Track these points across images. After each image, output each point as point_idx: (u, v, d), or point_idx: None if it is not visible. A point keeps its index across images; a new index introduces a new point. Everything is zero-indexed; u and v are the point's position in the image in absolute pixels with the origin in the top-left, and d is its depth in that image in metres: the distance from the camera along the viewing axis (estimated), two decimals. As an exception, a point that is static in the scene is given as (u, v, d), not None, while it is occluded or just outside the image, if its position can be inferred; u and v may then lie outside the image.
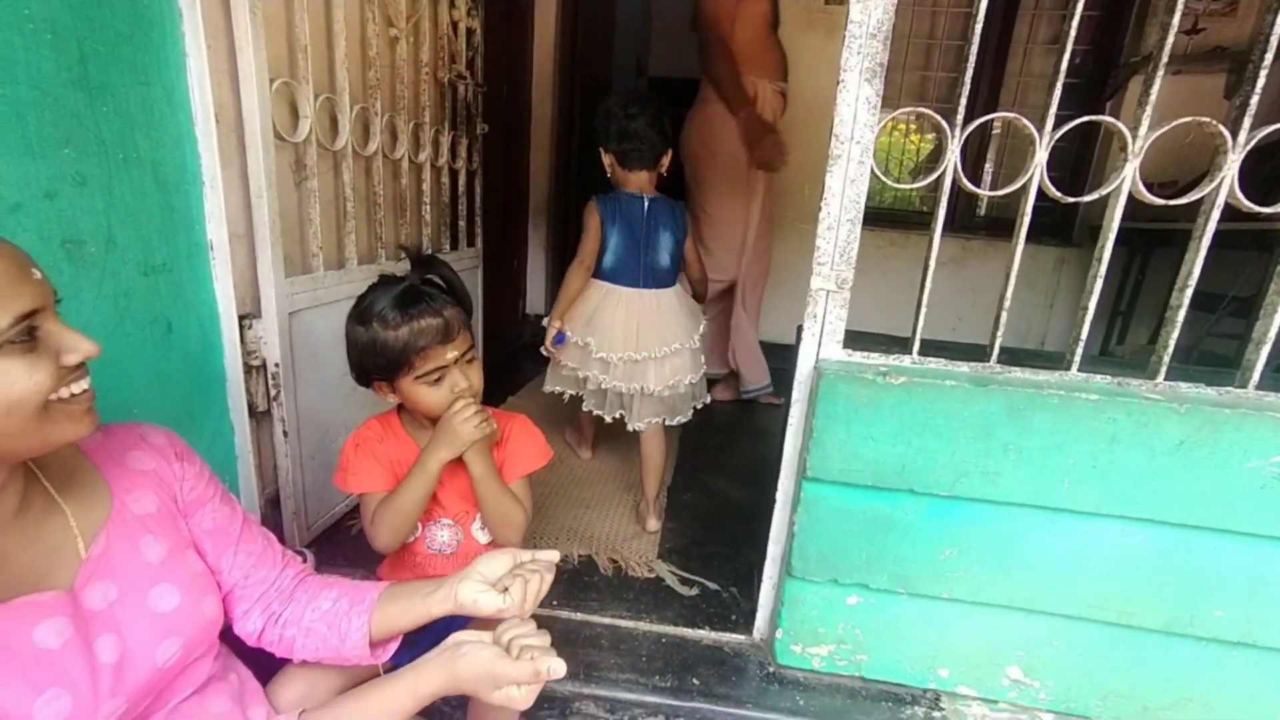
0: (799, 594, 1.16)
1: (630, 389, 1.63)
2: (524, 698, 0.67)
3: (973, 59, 0.96)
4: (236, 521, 0.81)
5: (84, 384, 0.61)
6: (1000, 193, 1.04)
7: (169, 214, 1.09)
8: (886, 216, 3.60)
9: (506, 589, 0.74)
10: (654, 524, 1.69)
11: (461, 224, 2.21)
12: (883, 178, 1.02)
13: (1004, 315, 1.06)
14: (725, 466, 2.15)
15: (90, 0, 0.90)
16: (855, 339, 1.10)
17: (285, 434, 1.36)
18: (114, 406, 1.01)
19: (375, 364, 0.96)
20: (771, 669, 1.22)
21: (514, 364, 3.25)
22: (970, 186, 1.02)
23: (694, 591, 1.44)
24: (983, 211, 3.42)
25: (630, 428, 1.68)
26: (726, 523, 1.76)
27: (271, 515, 1.41)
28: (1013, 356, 1.09)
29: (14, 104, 0.81)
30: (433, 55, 1.86)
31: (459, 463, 1.01)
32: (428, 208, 1.92)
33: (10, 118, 0.81)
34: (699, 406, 1.77)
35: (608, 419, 1.71)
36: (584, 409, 1.78)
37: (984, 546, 1.08)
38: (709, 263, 2.07)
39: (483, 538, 1.11)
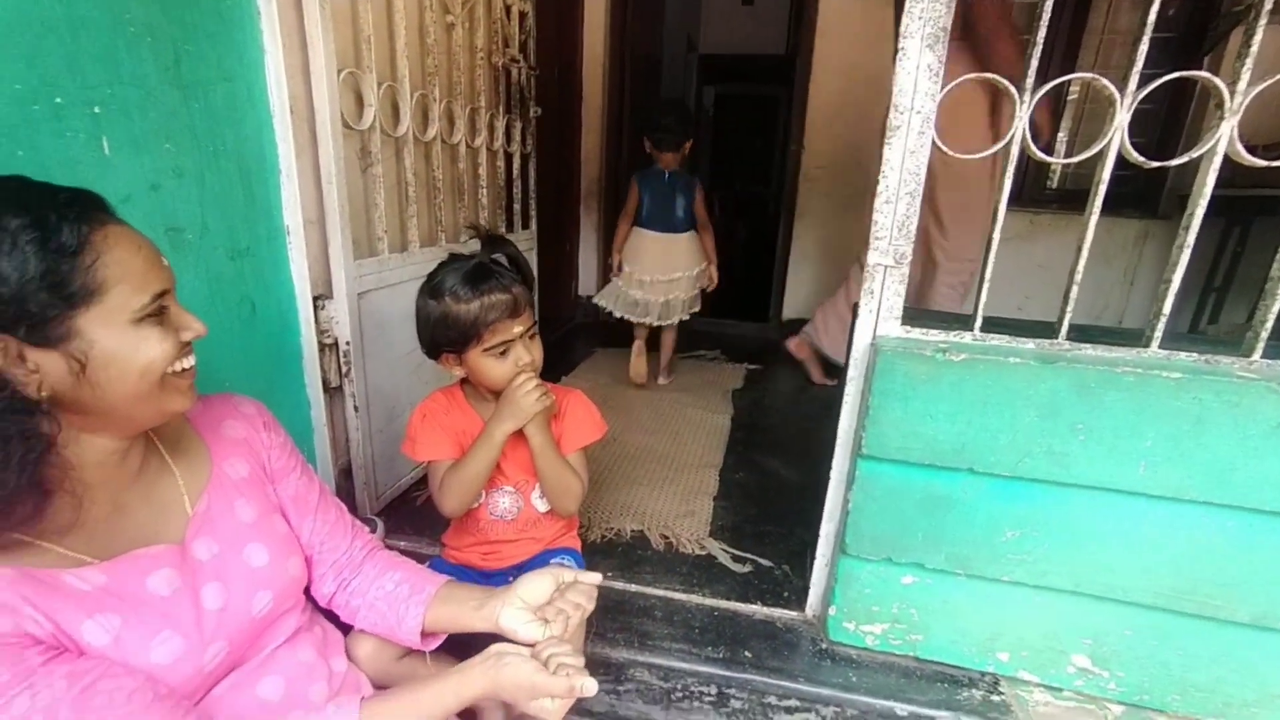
0: (853, 571, 1.15)
1: (657, 300, 2.51)
2: (556, 710, 0.71)
3: (1046, 14, 0.91)
4: (314, 492, 0.88)
5: (191, 360, 0.68)
6: (1074, 159, 0.98)
7: (251, 202, 1.17)
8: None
9: (548, 620, 0.78)
10: (664, 380, 2.66)
11: (517, 207, 2.25)
12: (944, 148, 0.99)
13: (1074, 290, 1.01)
14: (777, 447, 2.14)
15: (182, 3, 0.97)
16: (914, 316, 1.07)
17: (356, 408, 1.45)
18: (207, 380, 1.09)
19: (446, 336, 1.01)
20: (824, 645, 1.22)
21: (567, 344, 3.31)
22: (1039, 153, 0.97)
23: (746, 568, 1.46)
24: (1054, 184, 3.22)
25: (653, 324, 2.53)
26: (778, 502, 1.76)
27: (344, 485, 1.51)
28: (1083, 334, 1.04)
29: (121, 103, 0.89)
30: (487, 40, 1.89)
31: (519, 434, 1.06)
32: (484, 191, 1.97)
33: (119, 115, 0.89)
34: (688, 316, 2.61)
35: (641, 321, 2.55)
36: (623, 316, 2.58)
37: (1050, 529, 1.04)
38: (955, 247, 2.24)
39: (541, 506, 1.16)
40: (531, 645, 0.75)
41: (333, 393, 1.43)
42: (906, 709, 1.09)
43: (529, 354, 1.04)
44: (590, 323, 3.82)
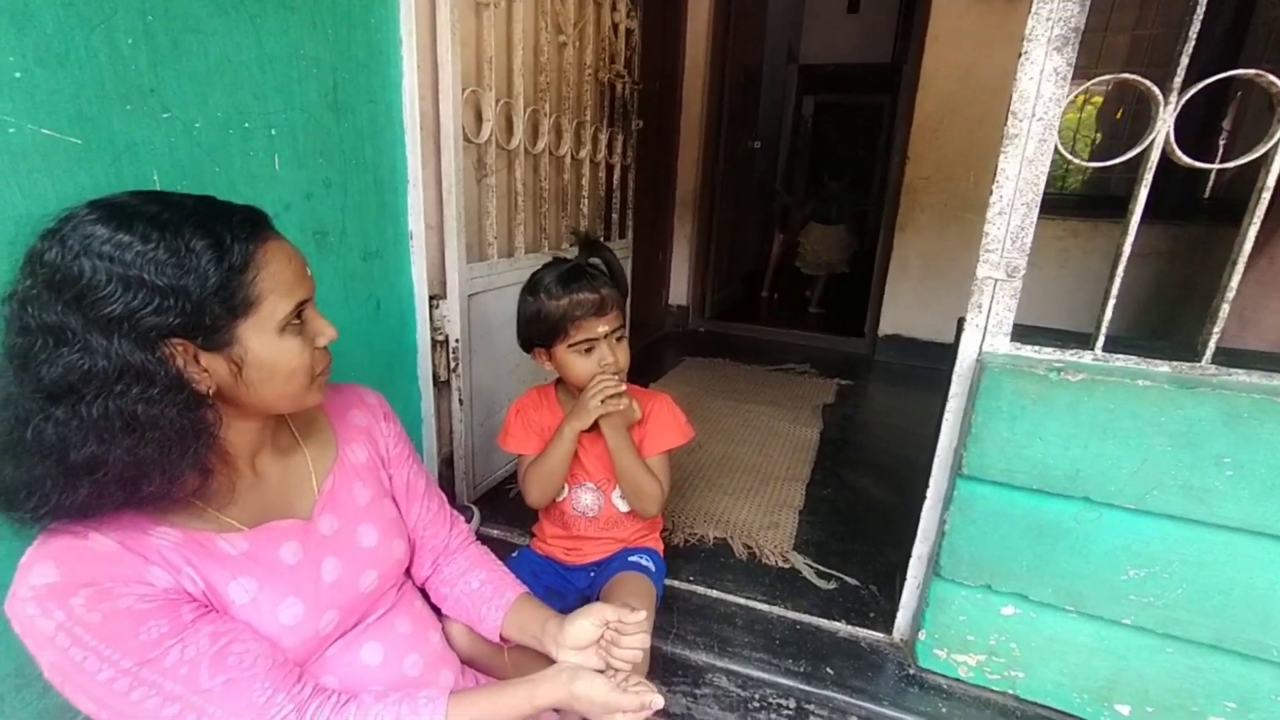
0: (946, 596, 1.10)
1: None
2: None
3: (1201, 7, 0.83)
4: (422, 481, 0.96)
5: (327, 361, 0.75)
6: (1230, 164, 0.89)
7: (382, 209, 1.30)
8: (1071, 202, 3.18)
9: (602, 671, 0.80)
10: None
11: (615, 216, 2.33)
12: (1069, 156, 0.93)
13: (1225, 308, 0.91)
14: (868, 465, 2.06)
15: (343, 38, 1.11)
16: (1024, 333, 1.02)
17: (461, 402, 1.56)
18: (337, 368, 1.21)
19: (538, 330, 1.08)
20: (911, 671, 1.17)
21: (657, 352, 3.36)
22: (1186, 159, 0.89)
23: (831, 585, 1.42)
24: (1208, 193, 2.89)
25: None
26: (867, 521, 1.70)
27: (446, 473, 1.62)
28: (1231, 357, 0.94)
29: (290, 126, 1.03)
30: (595, 57, 1.98)
31: (602, 434, 1.10)
32: (585, 201, 2.06)
33: (289, 136, 1.03)
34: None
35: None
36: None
37: (1184, 572, 0.94)
38: None
39: (622, 506, 1.19)
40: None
41: (441, 387, 1.54)
42: (1003, 750, 1.02)
43: (613, 355, 1.08)
44: (680, 332, 3.86)
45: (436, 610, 0.98)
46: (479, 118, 1.51)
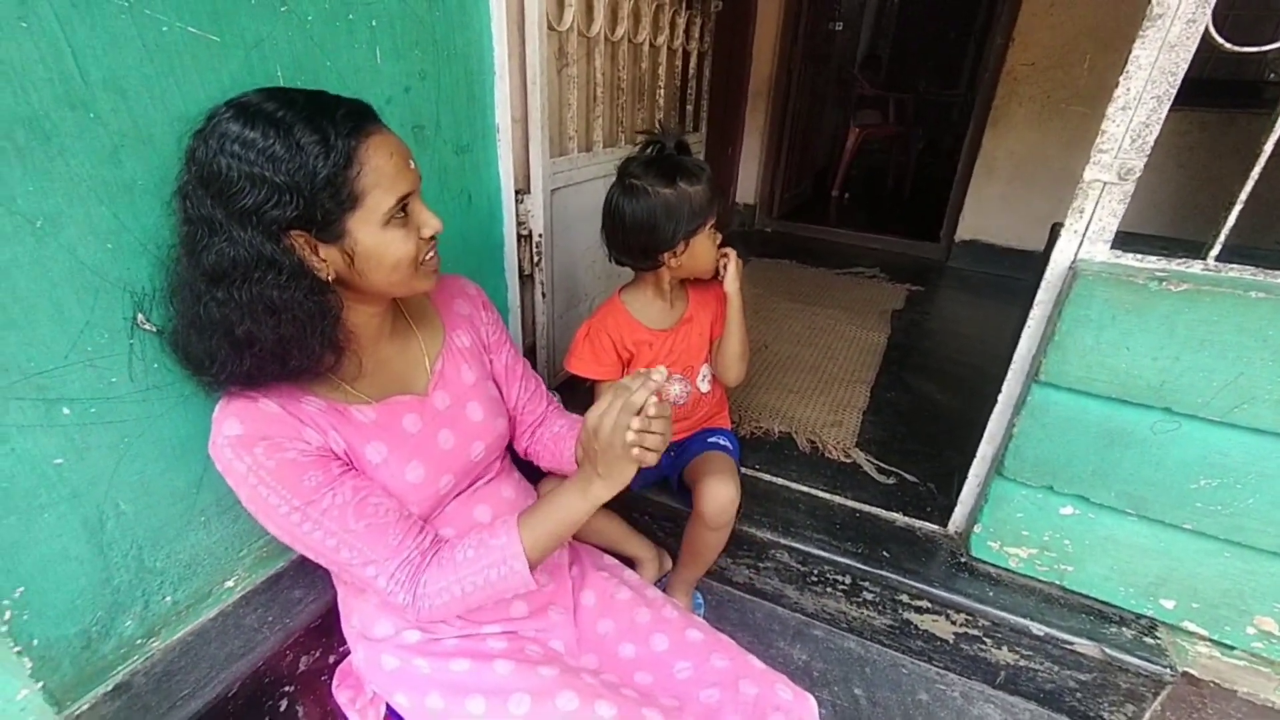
0: (1006, 494, 1.15)
1: None
2: (655, 445, 0.73)
3: None
4: (520, 364, 1.06)
5: (433, 251, 0.80)
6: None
7: (472, 102, 1.32)
8: (1204, 89, 2.82)
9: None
10: None
11: (689, 108, 2.25)
12: (1222, 41, 0.84)
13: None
14: (934, 371, 2.07)
15: (434, -81, 1.08)
16: (1127, 241, 0.98)
17: (544, 295, 1.63)
18: (437, 260, 1.32)
19: (681, 221, 1.07)
20: (964, 559, 1.26)
21: (720, 253, 3.34)
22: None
23: (890, 480, 1.50)
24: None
25: None
26: (929, 424, 1.74)
27: (529, 360, 1.74)
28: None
29: (389, 15, 1.04)
30: (677, -72, 1.84)
31: (686, 325, 1.19)
32: (661, 92, 1.99)
33: (387, 27, 1.05)
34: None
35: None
36: None
37: (1259, 484, 0.96)
38: None
39: (704, 386, 1.29)
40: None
41: (525, 280, 1.62)
42: (1043, 629, 1.12)
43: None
44: (746, 232, 3.79)
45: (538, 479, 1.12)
46: (561, 3, 1.46)
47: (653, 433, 0.74)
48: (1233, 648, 1.07)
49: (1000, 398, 1.15)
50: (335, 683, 1.03)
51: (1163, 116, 0.89)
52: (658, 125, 1.99)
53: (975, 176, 3.09)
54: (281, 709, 1.04)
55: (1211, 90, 2.81)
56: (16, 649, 0.78)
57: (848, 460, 1.57)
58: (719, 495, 1.12)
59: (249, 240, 0.65)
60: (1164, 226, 2.71)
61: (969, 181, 3.11)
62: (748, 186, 3.73)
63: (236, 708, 0.95)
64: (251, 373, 0.71)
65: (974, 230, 3.20)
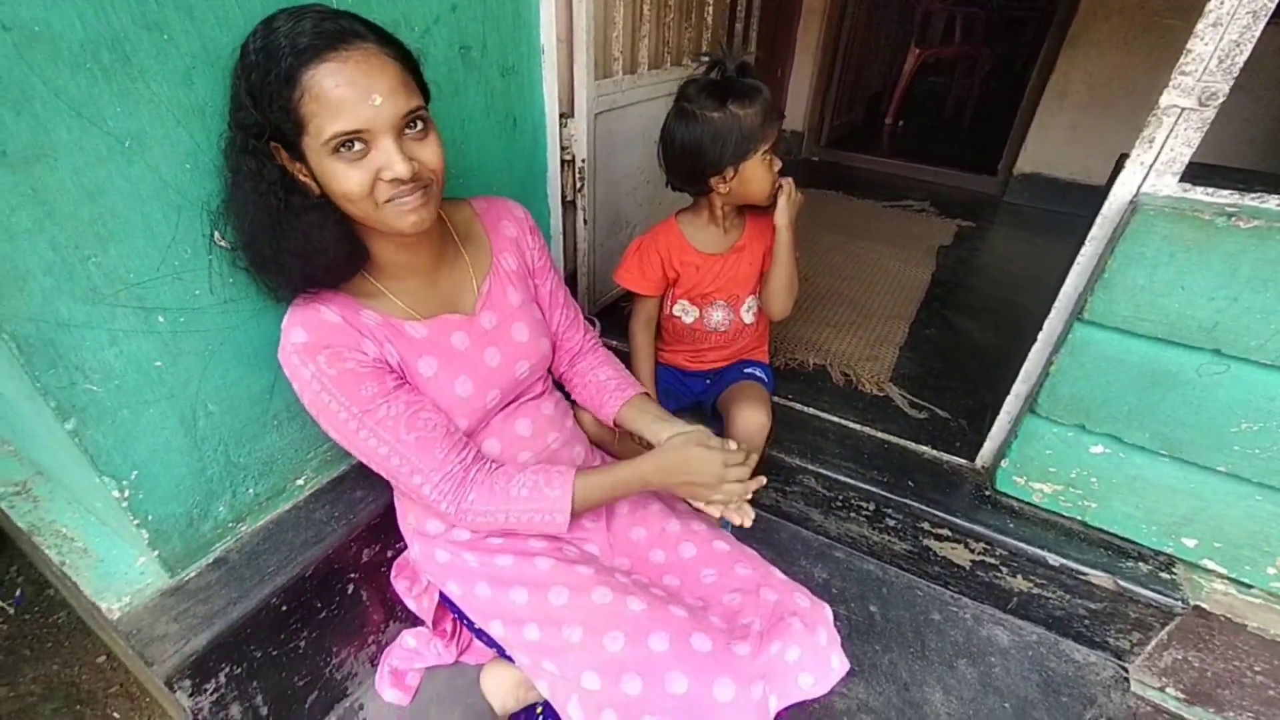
0: (1037, 430, 1.17)
1: None
2: (715, 508, 0.89)
3: None
4: (562, 291, 1.10)
5: (396, 191, 0.73)
6: None
7: (517, 21, 1.29)
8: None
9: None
10: None
11: (739, 26, 2.15)
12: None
13: None
14: (977, 309, 2.03)
15: None
16: (1199, 173, 0.94)
17: (585, 221, 1.65)
18: (482, 183, 1.34)
19: (733, 144, 1.06)
20: (988, 492, 1.29)
21: (764, 183, 3.24)
22: None
23: (922, 415, 1.52)
24: None
25: None
26: (968, 362, 1.74)
27: (570, 288, 1.78)
28: None
29: (434, -75, 1.03)
30: None
31: (737, 253, 1.19)
32: (710, 9, 1.90)
33: (433, -62, 1.03)
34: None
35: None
36: None
37: (1300, 429, 0.95)
38: None
39: (748, 318, 1.31)
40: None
41: (567, 206, 1.63)
42: (1059, 560, 1.16)
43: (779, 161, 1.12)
44: (793, 160, 3.66)
45: (570, 401, 1.18)
46: (608, -92, 1.40)
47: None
48: (1250, 586, 1.09)
49: (1040, 335, 1.15)
50: (393, 574, 1.16)
51: (1257, 34, 0.82)
52: (710, 46, 1.92)
53: (1044, 103, 2.88)
54: (349, 592, 1.17)
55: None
56: (135, 522, 0.90)
57: (881, 394, 1.59)
58: (751, 421, 1.17)
59: (239, 146, 0.72)
60: (1258, 160, 2.51)
61: (1035, 109, 2.91)
62: (796, 112, 3.56)
63: (312, 586, 1.08)
64: (290, 273, 0.78)
65: (1035, 163, 3.02)
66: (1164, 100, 0.90)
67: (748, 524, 0.88)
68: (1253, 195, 0.90)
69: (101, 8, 0.69)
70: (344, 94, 0.66)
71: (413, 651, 1.24)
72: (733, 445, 0.89)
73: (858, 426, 1.46)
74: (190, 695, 0.92)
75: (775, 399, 1.53)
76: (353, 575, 1.18)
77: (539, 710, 1.11)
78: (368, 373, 0.81)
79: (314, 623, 1.11)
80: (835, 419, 1.48)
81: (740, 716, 0.80)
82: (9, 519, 1.14)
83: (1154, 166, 0.94)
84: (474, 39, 1.19)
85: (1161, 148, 0.92)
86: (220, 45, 0.79)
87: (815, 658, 0.92)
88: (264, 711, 1.05)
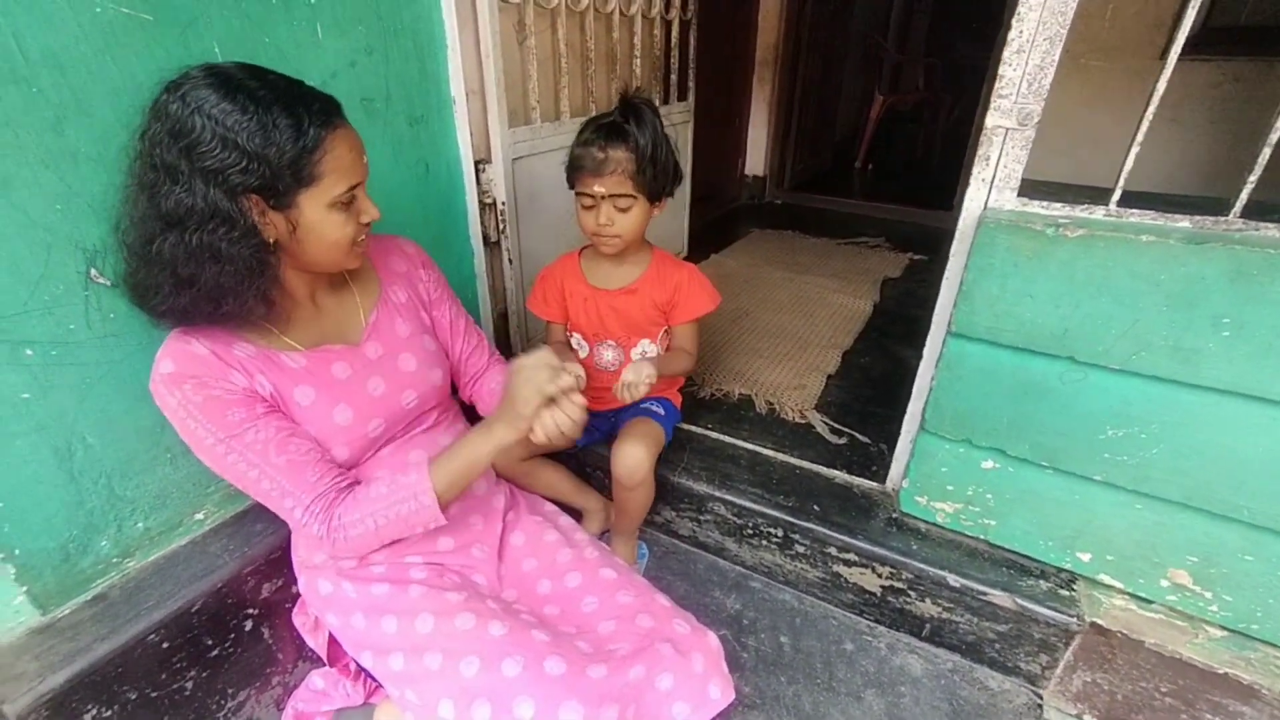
0: (930, 448, 1.16)
1: None
2: (571, 421, 0.84)
3: None
4: (462, 320, 1.14)
5: (366, 233, 0.88)
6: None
7: (424, 75, 1.38)
8: (1230, 38, 2.61)
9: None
10: None
11: (673, 77, 2.26)
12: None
13: (1266, 152, 0.82)
14: (916, 337, 2.02)
15: (363, -107, 1.14)
16: (1035, 188, 0.97)
17: (510, 261, 1.70)
18: (397, 225, 1.39)
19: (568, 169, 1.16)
20: (894, 515, 1.27)
21: (727, 225, 3.33)
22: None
23: (842, 440, 1.51)
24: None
25: None
26: (899, 388, 1.71)
27: (501, 327, 1.82)
28: (1267, 210, 0.86)
29: (329, -6, 1.12)
30: (647, -106, 1.84)
31: (627, 295, 1.23)
32: (639, 61, 2.01)
33: (327, 4, 1.12)
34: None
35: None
36: None
37: (1162, 433, 0.94)
38: None
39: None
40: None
41: (491, 247, 1.69)
42: (960, 581, 1.13)
43: (608, 219, 1.13)
44: (756, 204, 3.76)
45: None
46: (515, -26, 1.51)
47: (564, 412, 0.84)
48: (1149, 600, 1.06)
49: (925, 352, 1.16)
50: (295, 609, 1.15)
51: (1055, 59, 0.87)
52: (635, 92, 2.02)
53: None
54: (247, 629, 1.16)
55: (1248, 38, 2.61)
56: (1, 556, 0.92)
57: (803, 421, 1.59)
58: (627, 457, 1.17)
59: (209, 195, 0.73)
60: (1198, 185, 2.55)
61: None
62: (757, 158, 3.69)
63: (201, 621, 1.08)
64: (188, 309, 0.79)
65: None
66: (989, 122, 0.94)
67: (579, 371, 0.84)
68: (1081, 207, 0.92)
69: (-35, 65, 0.76)
70: (353, 157, 0.81)
71: (319, 693, 1.21)
72: (571, 370, 0.85)
73: (771, 453, 1.45)
74: (50, 736, 0.91)
75: (694, 428, 1.54)
76: (250, 611, 1.17)
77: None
78: (235, 400, 0.83)
79: (203, 661, 1.10)
80: (750, 446, 1.47)
81: (585, 741, 0.78)
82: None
83: (994, 183, 0.97)
84: (376, 93, 1.28)
85: (996, 165, 0.96)
86: (91, 96, 0.86)
87: (689, 686, 0.89)
88: (143, 758, 1.03)
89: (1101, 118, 2.59)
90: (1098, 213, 0.92)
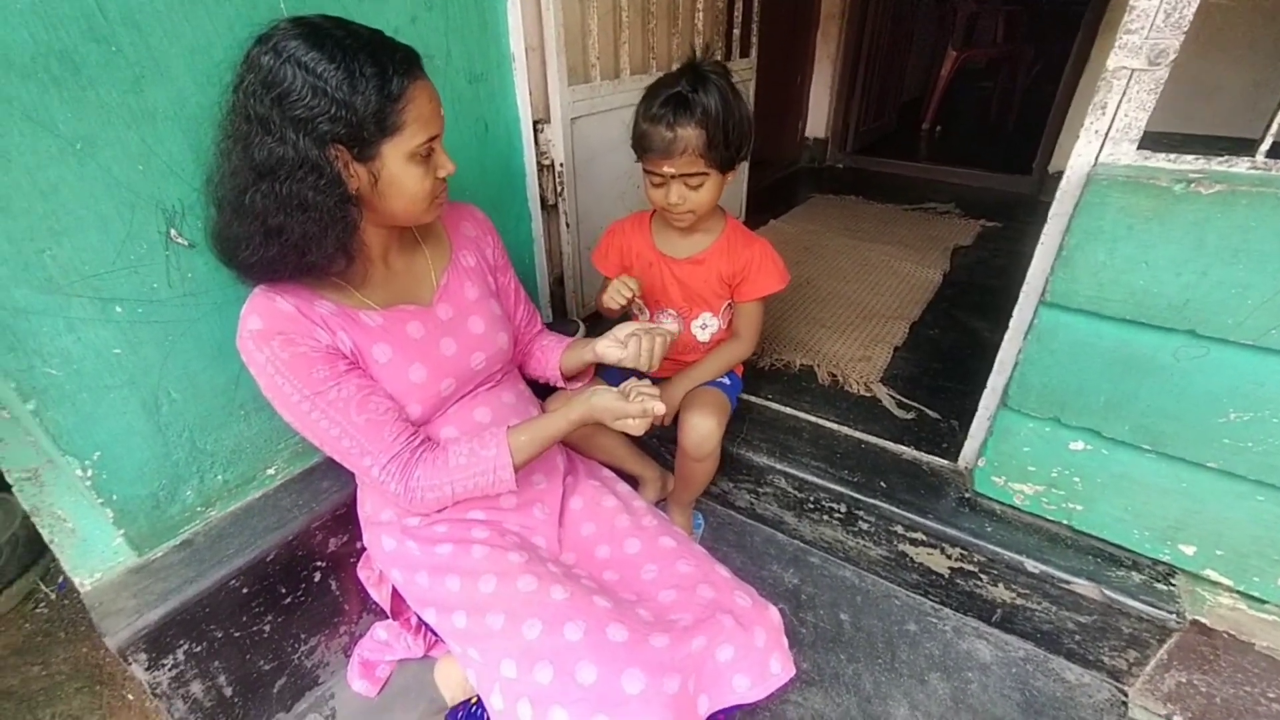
0: (1010, 426, 1.09)
1: None
2: (636, 426, 0.91)
3: None
4: (521, 288, 1.15)
5: (443, 189, 0.89)
6: None
7: (484, 30, 1.34)
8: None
9: (624, 342, 1.00)
10: None
11: (736, 32, 2.15)
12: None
13: None
14: (989, 309, 1.92)
15: None
16: (1160, 141, 0.86)
17: (567, 225, 1.68)
18: (455, 186, 1.37)
19: (634, 142, 1.11)
20: (967, 495, 1.20)
21: (788, 187, 3.21)
22: None
23: (910, 415, 1.44)
24: None
25: None
26: (970, 361, 1.64)
27: (557, 291, 1.80)
28: None
29: (386, -56, 1.09)
30: None
31: (693, 264, 1.20)
32: (701, 15, 1.92)
33: (386, -43, 1.09)
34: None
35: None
36: None
37: (1296, 418, 0.84)
38: None
39: (701, 335, 1.27)
40: (617, 366, 1.01)
41: (549, 210, 1.67)
42: (1038, 567, 1.06)
43: (680, 197, 1.07)
44: (816, 168, 3.60)
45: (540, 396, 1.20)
46: (578, -80, 1.44)
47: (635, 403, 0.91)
48: (1263, 601, 0.97)
49: (1012, 323, 1.08)
50: (360, 564, 1.19)
51: (1199, -14, 0.76)
52: (702, 51, 1.93)
53: (1079, 97, 2.73)
54: (316, 580, 1.21)
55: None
56: (99, 501, 0.97)
57: (868, 394, 1.52)
58: (697, 428, 1.14)
59: (299, 144, 0.74)
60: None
61: (1071, 99, 2.75)
62: (818, 119, 3.52)
63: (275, 571, 1.12)
64: (274, 261, 0.80)
65: (1074, 159, 2.85)
66: (1111, 63, 0.83)
67: (659, 411, 0.91)
68: (1219, 160, 0.82)
69: (51, 24, 0.77)
70: (433, 108, 0.82)
71: (383, 644, 1.26)
72: (634, 386, 0.95)
73: (835, 426, 1.40)
74: (146, 669, 0.97)
75: (754, 398, 1.49)
76: (319, 564, 1.21)
77: (473, 702, 1.10)
78: (319, 357, 0.84)
79: (279, 608, 1.15)
80: (811, 418, 1.42)
81: (647, 709, 0.78)
82: (17, 502, 1.24)
83: (1109, 135, 0.87)
84: (437, 49, 1.25)
85: (1115, 114, 0.86)
86: (168, 55, 0.87)
87: (750, 659, 0.88)
88: (228, 692, 1.10)
89: (1216, 65, 2.31)
90: (1240, 165, 0.81)
